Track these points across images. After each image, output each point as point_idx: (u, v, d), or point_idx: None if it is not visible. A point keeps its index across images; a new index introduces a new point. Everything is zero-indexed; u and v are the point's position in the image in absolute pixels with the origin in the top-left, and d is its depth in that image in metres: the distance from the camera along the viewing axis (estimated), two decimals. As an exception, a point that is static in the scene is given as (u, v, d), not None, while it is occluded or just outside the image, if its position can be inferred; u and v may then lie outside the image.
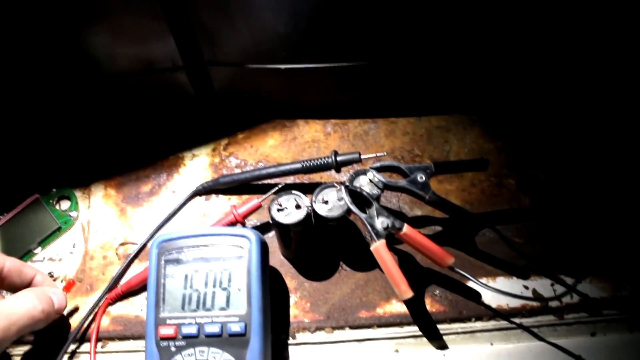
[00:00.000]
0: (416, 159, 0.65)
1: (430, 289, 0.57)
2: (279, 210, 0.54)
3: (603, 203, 0.61)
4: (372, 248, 0.52)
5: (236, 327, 0.49)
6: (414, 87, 0.66)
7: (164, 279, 0.52)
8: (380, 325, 0.56)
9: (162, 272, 0.52)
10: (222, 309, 0.50)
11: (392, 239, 0.54)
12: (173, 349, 0.49)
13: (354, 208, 0.52)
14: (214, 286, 0.51)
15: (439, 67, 0.63)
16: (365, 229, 0.52)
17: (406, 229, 0.52)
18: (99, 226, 0.63)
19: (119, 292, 0.58)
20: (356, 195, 0.54)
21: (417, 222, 0.61)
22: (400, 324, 0.56)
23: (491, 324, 0.56)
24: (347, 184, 0.54)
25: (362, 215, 0.53)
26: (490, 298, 0.57)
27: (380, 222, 0.53)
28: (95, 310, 0.58)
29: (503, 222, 0.60)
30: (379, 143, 0.66)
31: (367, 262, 0.53)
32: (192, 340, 0.49)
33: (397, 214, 0.61)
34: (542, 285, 0.57)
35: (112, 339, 0.57)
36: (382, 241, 0.52)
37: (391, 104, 0.67)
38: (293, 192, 0.55)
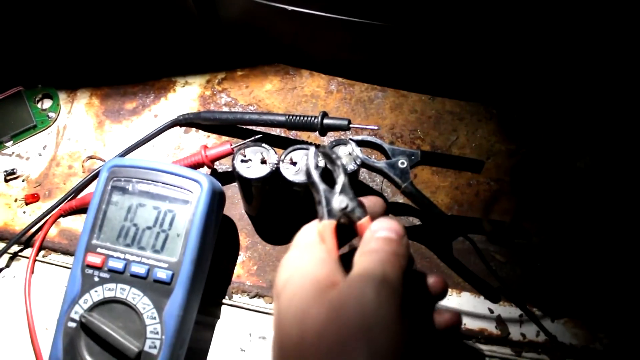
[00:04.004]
0: (416, 141, 0.58)
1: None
2: (242, 161, 0.49)
3: (609, 243, 0.53)
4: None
5: (162, 274, 0.46)
6: (435, 61, 0.58)
7: (106, 205, 0.49)
8: (323, 309, 0.52)
9: (106, 197, 0.49)
10: (156, 251, 0.47)
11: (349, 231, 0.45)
12: (96, 279, 0.47)
13: (314, 174, 0.40)
14: (154, 226, 0.48)
15: (467, 44, 0.55)
16: (319, 201, 0.40)
17: (365, 220, 0.38)
18: (73, 134, 0.61)
19: (72, 205, 0.56)
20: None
21: (395, 209, 0.55)
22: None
23: (441, 339, 0.51)
24: (320, 149, 0.48)
25: (321, 187, 0.40)
26: (448, 312, 0.51)
27: (339, 201, 0.39)
28: (47, 218, 0.56)
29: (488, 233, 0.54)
30: (381, 115, 0.59)
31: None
32: (116, 275, 0.47)
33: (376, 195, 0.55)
34: (509, 313, 0.51)
35: (55, 250, 0.56)
36: (332, 222, 0.38)
37: (406, 74, 0.60)
38: (263, 145, 0.50)
